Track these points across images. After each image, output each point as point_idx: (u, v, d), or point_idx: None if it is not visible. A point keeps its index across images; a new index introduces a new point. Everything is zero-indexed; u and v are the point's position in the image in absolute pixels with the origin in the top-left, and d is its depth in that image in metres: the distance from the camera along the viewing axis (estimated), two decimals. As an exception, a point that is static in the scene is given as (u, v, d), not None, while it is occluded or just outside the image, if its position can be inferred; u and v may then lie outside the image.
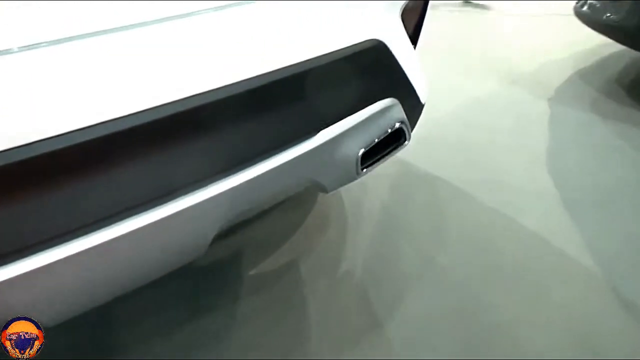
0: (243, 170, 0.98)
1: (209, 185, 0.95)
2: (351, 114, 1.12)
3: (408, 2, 1.31)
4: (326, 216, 1.89)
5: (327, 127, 1.08)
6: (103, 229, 0.86)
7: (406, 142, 1.35)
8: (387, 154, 1.30)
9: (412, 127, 1.43)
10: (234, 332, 1.43)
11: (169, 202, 0.92)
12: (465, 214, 1.89)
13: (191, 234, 0.97)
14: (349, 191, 2.01)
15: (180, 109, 0.88)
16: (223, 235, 1.14)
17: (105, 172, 0.85)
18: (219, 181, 0.96)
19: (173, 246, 0.96)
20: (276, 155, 1.01)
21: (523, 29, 3.95)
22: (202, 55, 0.91)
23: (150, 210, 0.90)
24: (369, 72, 1.14)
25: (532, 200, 1.96)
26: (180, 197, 0.93)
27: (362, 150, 1.17)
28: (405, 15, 1.32)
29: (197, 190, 0.94)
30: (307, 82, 1.02)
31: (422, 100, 1.39)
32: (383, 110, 1.20)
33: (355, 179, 1.23)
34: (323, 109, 1.07)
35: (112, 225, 0.87)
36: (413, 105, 1.35)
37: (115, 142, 0.83)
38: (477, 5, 4.55)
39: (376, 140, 1.20)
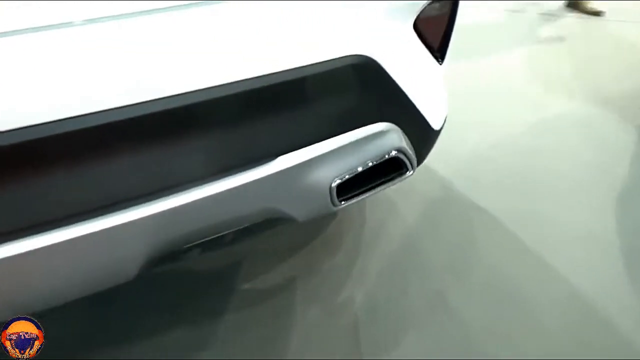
0: (178, 194, 0.87)
1: (136, 207, 0.85)
2: (323, 139, 0.96)
3: (426, 9, 1.11)
4: (340, 235, 1.73)
5: (288, 152, 0.93)
6: (23, 239, 0.80)
7: (409, 173, 1.16)
8: (379, 185, 1.12)
9: (423, 155, 1.24)
10: (198, 346, 1.34)
11: (89, 220, 0.83)
12: (495, 251, 1.65)
13: (115, 256, 0.88)
14: (372, 209, 1.84)
15: (111, 119, 0.79)
16: (178, 256, 1.04)
17: (32, 179, 0.79)
18: (149, 203, 0.86)
19: (95, 264, 0.88)
20: (220, 180, 0.89)
21: (632, 40, 3.44)
22: (137, 62, 0.80)
23: (70, 225, 0.83)
24: (349, 93, 0.97)
25: (581, 245, 1.66)
26: (103, 216, 0.84)
27: (336, 181, 1.01)
28: (423, 25, 1.13)
29: (122, 211, 0.85)
30: (265, 100, 0.89)
31: (435, 126, 1.19)
32: (371, 136, 1.03)
33: (332, 211, 1.07)
34: (284, 132, 0.93)
35: (32, 236, 0.81)
36: (420, 132, 1.16)
37: (46, 148, 0.77)
38: (585, 9, 4.02)
39: (359, 169, 1.04)
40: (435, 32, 1.20)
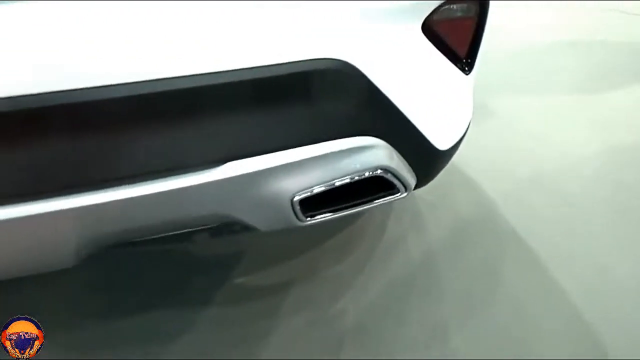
0: (115, 188, 0.82)
1: (71, 196, 0.81)
2: (284, 148, 0.86)
3: (443, 10, 0.95)
4: (354, 242, 1.62)
5: (239, 158, 0.84)
6: None
7: (399, 195, 1.03)
8: (360, 204, 1.01)
9: (425, 178, 1.10)
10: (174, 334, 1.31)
11: (23, 203, 0.81)
12: (519, 289, 1.44)
13: (48, 241, 0.86)
14: (397, 219, 1.70)
15: (54, 102, 0.75)
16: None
17: None
18: (85, 194, 0.82)
19: (27, 248, 0.86)
20: (160, 180, 0.83)
21: None
22: (79, 47, 0.75)
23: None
24: (318, 100, 0.85)
25: (628, 302, 1.41)
26: (37, 201, 0.81)
27: (300, 195, 0.91)
28: (440, 29, 0.97)
29: (57, 198, 0.81)
30: (214, 100, 0.80)
31: (441, 146, 1.03)
32: (347, 151, 0.91)
33: (300, 225, 0.97)
34: (237, 138, 0.84)
35: None
36: (419, 152, 1.01)
37: None
38: None
39: (329, 186, 0.92)
40: (459, 38, 1.04)
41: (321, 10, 0.82)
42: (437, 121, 1.01)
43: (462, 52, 1.06)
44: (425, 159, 1.04)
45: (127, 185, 0.81)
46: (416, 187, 1.09)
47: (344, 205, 0.99)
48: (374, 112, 0.90)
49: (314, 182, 0.90)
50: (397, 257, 1.57)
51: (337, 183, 0.92)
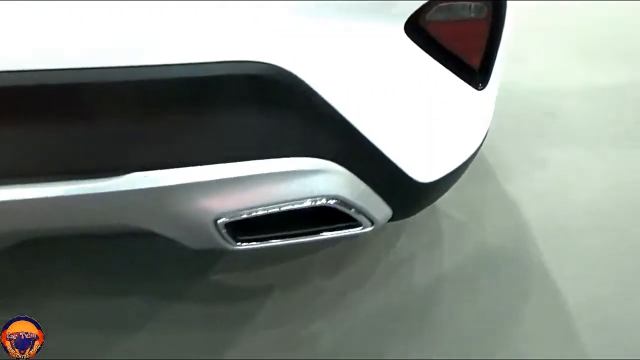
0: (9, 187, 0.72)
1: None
2: (201, 164, 0.71)
3: (439, 7, 0.73)
4: (354, 254, 1.44)
5: (148, 169, 0.71)
6: None
7: (363, 229, 0.85)
8: (309, 235, 0.84)
9: (405, 211, 0.90)
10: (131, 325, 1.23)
11: None
12: (532, 343, 1.20)
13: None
14: (409, 236, 1.49)
15: None
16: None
17: None
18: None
19: None
20: (58, 183, 0.71)
21: None
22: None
23: None
24: (242, 111, 0.68)
25: None
26: None
27: (227, 218, 0.76)
28: (439, 32, 0.76)
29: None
30: (119, 102, 0.67)
31: (421, 178, 0.82)
32: (286, 174, 0.74)
33: (232, 249, 0.82)
34: (145, 146, 0.70)
35: None
36: (389, 182, 0.81)
37: None
38: None
39: (261, 211, 0.76)
40: (467, 44, 0.81)
41: (258, 7, 0.65)
42: (418, 147, 0.80)
43: (472, 61, 0.83)
44: (399, 191, 0.84)
45: (24, 185, 0.70)
46: (393, 219, 0.90)
47: (289, 234, 0.83)
48: (321, 131, 0.72)
49: (243, 205, 0.75)
50: (398, 281, 1.37)
51: (271, 210, 0.76)
